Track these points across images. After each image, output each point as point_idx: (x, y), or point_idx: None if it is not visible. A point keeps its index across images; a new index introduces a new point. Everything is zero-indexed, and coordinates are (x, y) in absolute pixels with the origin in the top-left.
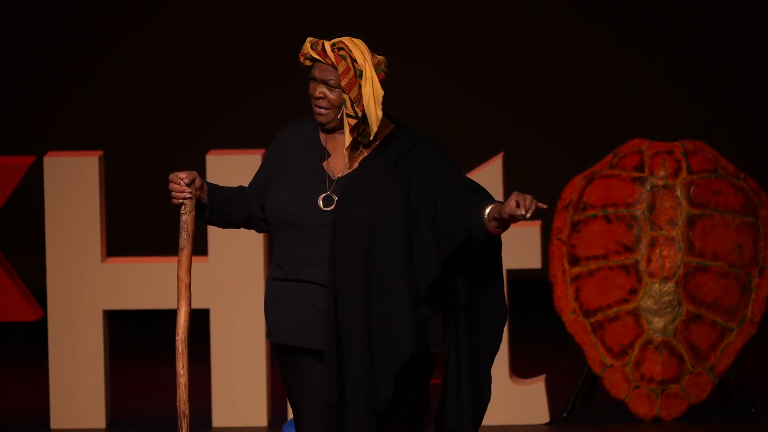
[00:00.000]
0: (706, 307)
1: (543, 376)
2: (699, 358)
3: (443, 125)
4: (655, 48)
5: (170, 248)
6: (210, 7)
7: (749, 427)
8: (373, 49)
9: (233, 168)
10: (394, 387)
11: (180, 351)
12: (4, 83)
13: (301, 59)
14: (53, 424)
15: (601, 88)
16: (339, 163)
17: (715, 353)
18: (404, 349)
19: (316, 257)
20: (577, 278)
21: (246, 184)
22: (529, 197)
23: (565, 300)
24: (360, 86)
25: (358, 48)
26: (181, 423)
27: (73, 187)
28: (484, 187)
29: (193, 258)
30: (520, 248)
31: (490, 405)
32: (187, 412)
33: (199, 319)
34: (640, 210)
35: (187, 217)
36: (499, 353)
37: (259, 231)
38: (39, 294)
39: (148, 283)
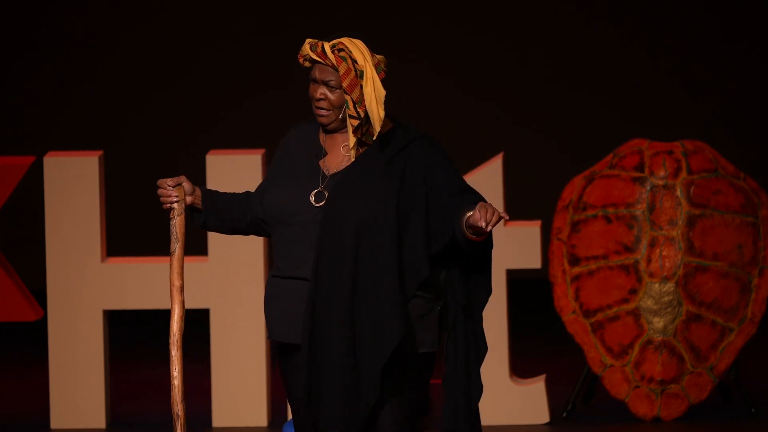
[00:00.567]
0: (706, 307)
1: (543, 376)
2: (699, 358)
3: (443, 125)
4: (655, 48)
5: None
6: (210, 7)
7: (749, 427)
8: (373, 49)
9: (233, 168)
10: (388, 386)
11: (173, 353)
12: (4, 83)
13: (300, 60)
14: (53, 424)
15: (601, 88)
16: (335, 161)
17: (715, 353)
18: (388, 346)
19: (308, 253)
20: (577, 278)
21: (246, 185)
22: (491, 209)
23: (565, 300)
24: (361, 87)
25: (357, 48)
26: (175, 424)
27: (73, 187)
28: (484, 187)
29: (193, 258)
30: (520, 248)
31: (490, 405)
32: (181, 414)
33: (199, 319)
34: (640, 210)
35: (175, 221)
36: (499, 353)
37: (263, 236)
38: (39, 294)
39: (148, 283)
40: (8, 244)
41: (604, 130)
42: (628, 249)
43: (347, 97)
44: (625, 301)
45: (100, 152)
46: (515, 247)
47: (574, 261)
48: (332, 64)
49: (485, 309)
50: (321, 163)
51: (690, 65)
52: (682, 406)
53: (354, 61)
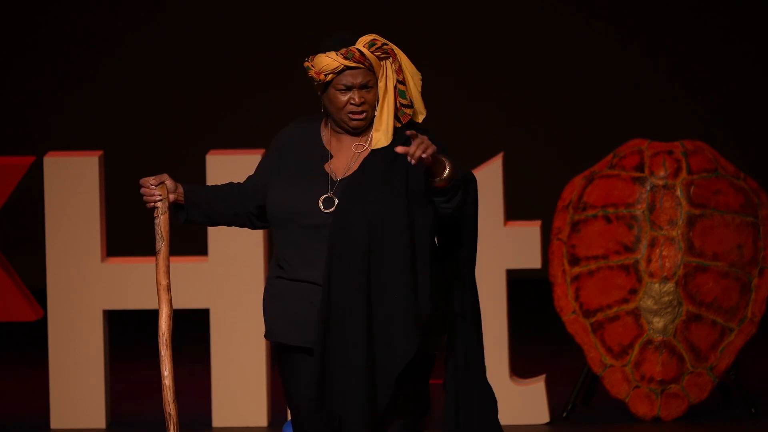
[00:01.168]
0: (706, 307)
1: (543, 376)
2: (699, 358)
3: (443, 125)
4: (655, 48)
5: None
6: (210, 7)
7: (749, 427)
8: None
9: (233, 168)
10: (397, 387)
11: (163, 353)
12: (4, 83)
13: (321, 77)
14: (53, 424)
15: (601, 88)
16: (342, 164)
17: (715, 353)
18: (407, 352)
19: (316, 257)
20: (577, 278)
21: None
22: (425, 143)
23: (565, 300)
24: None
25: (381, 38)
26: (168, 424)
27: (73, 187)
28: (484, 187)
29: (193, 258)
30: (520, 248)
31: None
32: (173, 413)
33: (199, 319)
34: (640, 210)
35: (160, 220)
36: (499, 353)
37: (251, 228)
38: (39, 294)
39: (148, 283)
40: (8, 244)
41: (604, 130)
42: (628, 249)
43: (402, 88)
44: (625, 301)
45: (100, 152)
46: (515, 247)
47: (574, 261)
48: (369, 64)
49: (485, 309)
50: (327, 166)
51: (690, 65)
52: (682, 406)
53: (390, 51)
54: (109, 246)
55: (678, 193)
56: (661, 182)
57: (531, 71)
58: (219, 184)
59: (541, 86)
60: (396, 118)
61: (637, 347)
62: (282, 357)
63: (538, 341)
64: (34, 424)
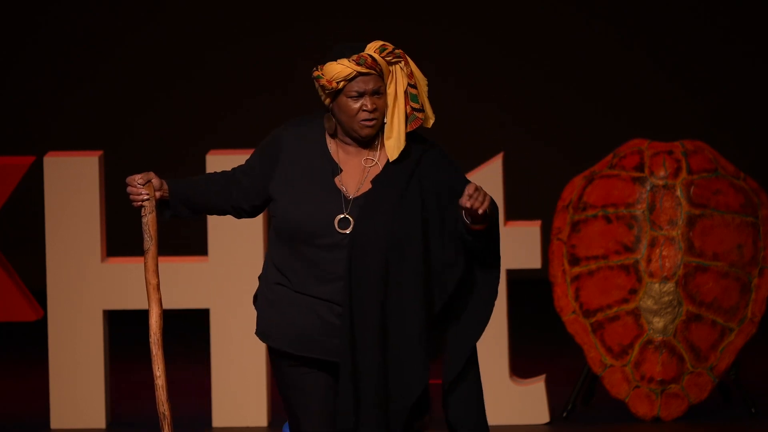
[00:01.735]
0: (706, 307)
1: (543, 376)
2: (699, 358)
3: (443, 125)
4: (655, 48)
5: (169, 248)
6: (210, 7)
7: (749, 427)
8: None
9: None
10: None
11: (154, 353)
12: (4, 83)
13: (333, 85)
14: (53, 424)
15: (601, 88)
16: (352, 181)
17: (715, 353)
18: (419, 385)
19: (330, 276)
20: (577, 278)
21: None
22: (481, 192)
23: (565, 300)
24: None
25: (390, 44)
26: (162, 424)
27: (73, 187)
28: (484, 187)
29: (193, 258)
30: (520, 248)
31: (490, 405)
32: (167, 413)
33: (199, 319)
34: (640, 210)
35: (147, 219)
36: (499, 353)
37: (238, 217)
38: (39, 294)
39: None
40: (8, 244)
41: (604, 130)
42: (628, 249)
43: (414, 92)
44: (625, 301)
45: (100, 152)
46: (515, 247)
47: (574, 261)
48: (380, 70)
49: None
50: (337, 180)
51: (690, 65)
52: (682, 406)
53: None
54: (109, 246)
55: (678, 193)
56: (661, 182)
57: (531, 71)
58: (204, 177)
59: (541, 86)
60: (405, 123)
61: (637, 347)
62: (282, 363)
63: (538, 341)
64: (34, 424)
